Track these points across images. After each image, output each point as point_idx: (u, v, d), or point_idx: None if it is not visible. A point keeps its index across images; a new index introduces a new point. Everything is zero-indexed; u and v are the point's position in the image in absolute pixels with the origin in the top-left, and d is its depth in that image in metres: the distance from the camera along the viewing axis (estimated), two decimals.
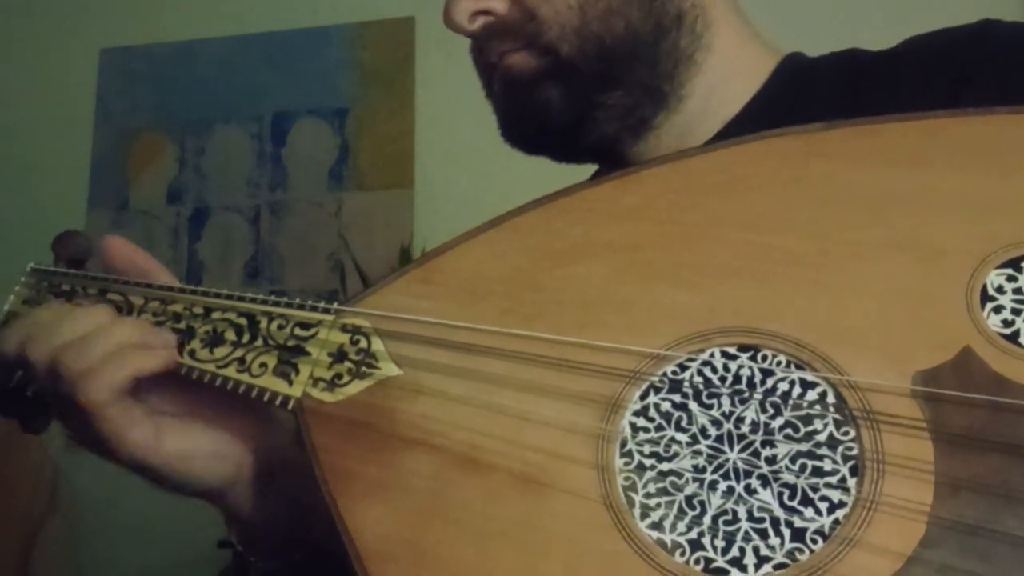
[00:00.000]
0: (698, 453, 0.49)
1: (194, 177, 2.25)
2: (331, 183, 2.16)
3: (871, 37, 0.72)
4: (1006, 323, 0.47)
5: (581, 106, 0.65)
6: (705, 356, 0.51)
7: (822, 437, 0.47)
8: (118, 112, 2.32)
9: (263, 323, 0.61)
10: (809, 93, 0.66)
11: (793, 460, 0.47)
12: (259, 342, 0.60)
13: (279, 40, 2.25)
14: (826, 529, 0.45)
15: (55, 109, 2.35)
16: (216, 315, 0.62)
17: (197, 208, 2.23)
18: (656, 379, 0.51)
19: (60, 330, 0.60)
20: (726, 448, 0.49)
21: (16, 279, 0.70)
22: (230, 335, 0.61)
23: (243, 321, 0.61)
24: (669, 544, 0.47)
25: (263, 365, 0.59)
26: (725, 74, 0.67)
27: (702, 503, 0.48)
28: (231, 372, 0.60)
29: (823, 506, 0.46)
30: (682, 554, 0.47)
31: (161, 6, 2.34)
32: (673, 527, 0.48)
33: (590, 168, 0.75)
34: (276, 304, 0.61)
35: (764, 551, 0.46)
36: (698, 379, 0.51)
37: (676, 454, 0.49)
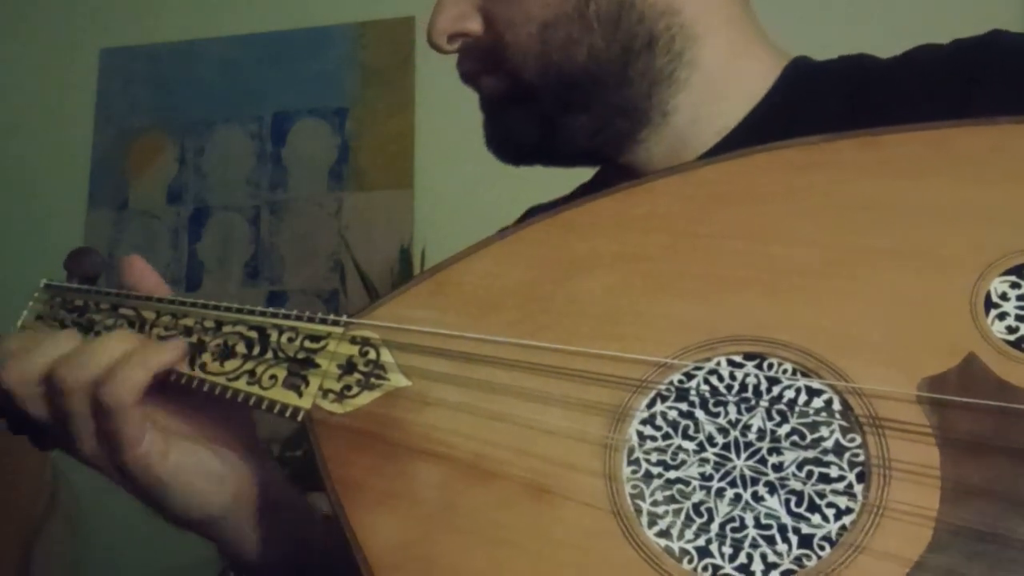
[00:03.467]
0: (705, 461, 0.49)
1: (194, 177, 2.25)
2: (331, 183, 2.17)
3: (879, 41, 0.71)
4: (1010, 329, 0.47)
5: (545, 128, 0.66)
6: (711, 364, 0.51)
7: (828, 444, 0.47)
8: (118, 112, 2.33)
9: (273, 336, 0.61)
10: (814, 98, 0.66)
11: (800, 467, 0.48)
12: (269, 355, 0.61)
13: (279, 40, 2.26)
14: (833, 535, 0.45)
15: (55, 109, 2.36)
16: (227, 328, 0.63)
17: (197, 208, 2.24)
18: (663, 388, 0.51)
19: (57, 348, 0.61)
20: (733, 456, 0.49)
21: (28, 292, 0.71)
22: (241, 348, 0.62)
23: (253, 334, 0.62)
24: (677, 551, 0.48)
25: (273, 377, 0.60)
26: (717, 87, 0.67)
27: (709, 510, 0.48)
28: (241, 385, 0.60)
29: (830, 512, 0.46)
30: (690, 561, 0.47)
31: (161, 6, 2.35)
32: (681, 534, 0.48)
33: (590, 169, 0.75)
34: (287, 317, 0.62)
35: (772, 558, 0.46)
36: (704, 387, 0.51)
37: (683, 462, 0.50)
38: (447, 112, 2.00)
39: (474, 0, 0.67)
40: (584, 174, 0.76)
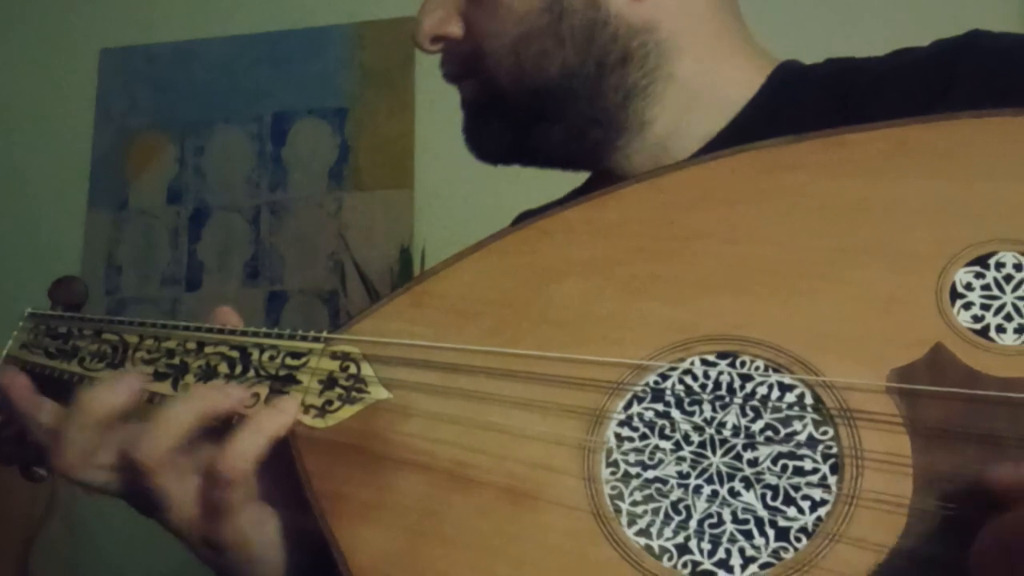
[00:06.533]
0: (682, 459, 0.50)
1: (194, 177, 2.26)
2: (331, 183, 2.17)
3: (872, 43, 0.72)
4: (976, 319, 0.48)
5: (518, 133, 0.68)
6: (686, 364, 0.52)
7: (802, 437, 0.48)
8: (118, 112, 2.33)
9: (255, 355, 0.62)
10: (799, 100, 0.66)
11: (775, 461, 0.48)
12: (251, 373, 0.61)
13: (279, 40, 2.26)
14: (809, 526, 0.46)
15: (55, 109, 2.36)
16: (209, 349, 0.63)
17: (197, 208, 2.24)
18: (639, 389, 0.52)
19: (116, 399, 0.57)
20: (709, 453, 0.50)
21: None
22: (223, 368, 0.62)
23: (235, 354, 0.62)
24: (656, 549, 0.48)
25: (255, 396, 0.60)
26: (697, 97, 0.68)
27: (687, 508, 0.49)
28: None
29: (805, 504, 0.47)
30: (669, 559, 0.48)
31: (161, 6, 2.36)
32: (660, 533, 0.48)
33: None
34: (267, 335, 0.62)
35: (750, 552, 0.47)
36: (680, 387, 0.52)
37: (661, 461, 0.50)
38: (447, 112, 1.99)
39: (456, 4, 0.69)
40: (578, 177, 0.77)
